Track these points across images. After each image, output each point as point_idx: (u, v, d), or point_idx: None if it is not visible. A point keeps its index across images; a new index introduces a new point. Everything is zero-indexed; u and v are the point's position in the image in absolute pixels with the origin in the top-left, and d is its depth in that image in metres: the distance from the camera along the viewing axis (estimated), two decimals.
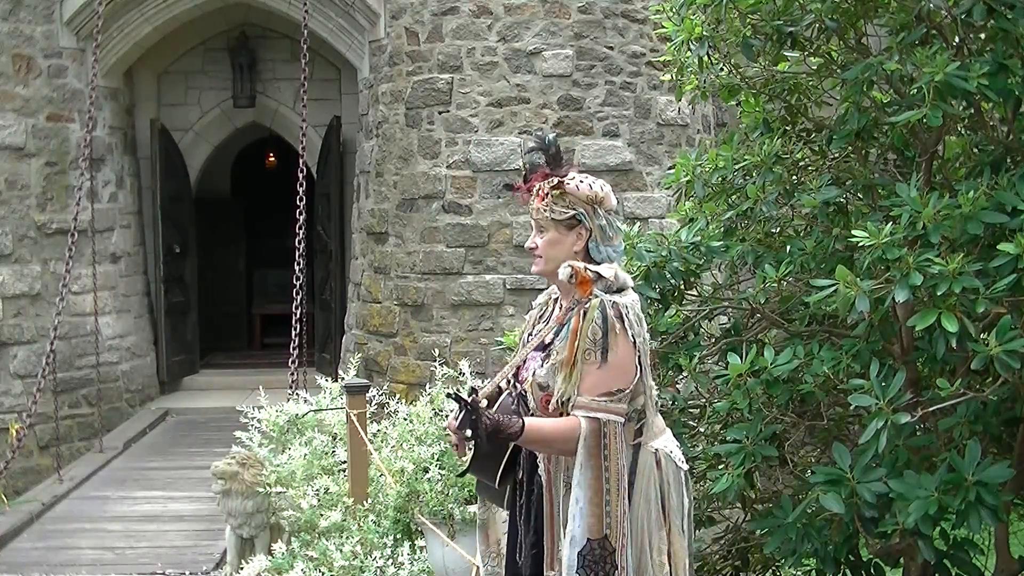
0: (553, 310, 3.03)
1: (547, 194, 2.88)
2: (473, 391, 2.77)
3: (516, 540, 3.01)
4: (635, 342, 2.81)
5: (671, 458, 2.94)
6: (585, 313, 2.79)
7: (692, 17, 3.84)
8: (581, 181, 2.90)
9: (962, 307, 2.99)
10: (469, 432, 2.69)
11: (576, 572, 2.76)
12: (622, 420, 2.79)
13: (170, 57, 11.75)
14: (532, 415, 2.87)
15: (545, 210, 2.88)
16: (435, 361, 5.64)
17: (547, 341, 2.90)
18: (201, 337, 12.38)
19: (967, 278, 2.94)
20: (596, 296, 2.80)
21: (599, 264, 2.87)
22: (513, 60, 9.35)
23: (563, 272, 2.82)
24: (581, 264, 2.83)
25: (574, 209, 2.87)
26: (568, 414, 2.80)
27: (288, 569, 4.68)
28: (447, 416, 2.93)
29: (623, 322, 2.79)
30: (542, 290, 3.15)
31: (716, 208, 3.99)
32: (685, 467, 3.00)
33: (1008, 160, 3.38)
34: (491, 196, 9.34)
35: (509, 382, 2.97)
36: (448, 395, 2.84)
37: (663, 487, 2.90)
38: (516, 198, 2.99)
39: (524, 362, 2.94)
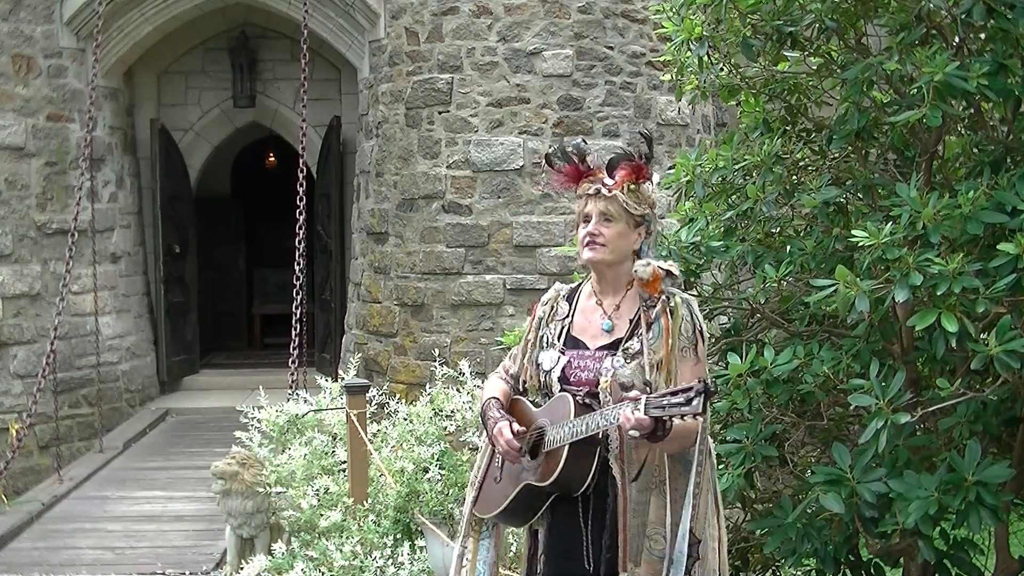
0: (570, 308, 3.00)
1: (626, 185, 2.87)
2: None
3: (564, 545, 2.93)
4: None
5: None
6: (671, 312, 2.83)
7: (692, 17, 3.84)
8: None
9: (962, 307, 2.99)
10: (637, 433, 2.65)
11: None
12: None
13: (170, 57, 11.75)
14: None
15: (624, 202, 2.87)
16: (435, 361, 5.65)
17: (613, 340, 2.88)
18: (201, 337, 12.36)
19: (967, 278, 2.94)
20: (672, 293, 2.85)
21: None
22: (513, 60, 9.35)
23: (645, 270, 2.83)
24: (656, 261, 2.86)
25: (644, 208, 2.90)
26: None
27: (288, 569, 4.69)
28: (501, 427, 2.91)
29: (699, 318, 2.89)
30: (543, 290, 3.14)
31: (716, 208, 3.99)
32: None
33: (1008, 160, 3.38)
34: (491, 196, 9.34)
35: (541, 383, 2.96)
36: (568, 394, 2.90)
37: (714, 473, 2.93)
38: (549, 177, 2.95)
39: (569, 363, 2.91)
